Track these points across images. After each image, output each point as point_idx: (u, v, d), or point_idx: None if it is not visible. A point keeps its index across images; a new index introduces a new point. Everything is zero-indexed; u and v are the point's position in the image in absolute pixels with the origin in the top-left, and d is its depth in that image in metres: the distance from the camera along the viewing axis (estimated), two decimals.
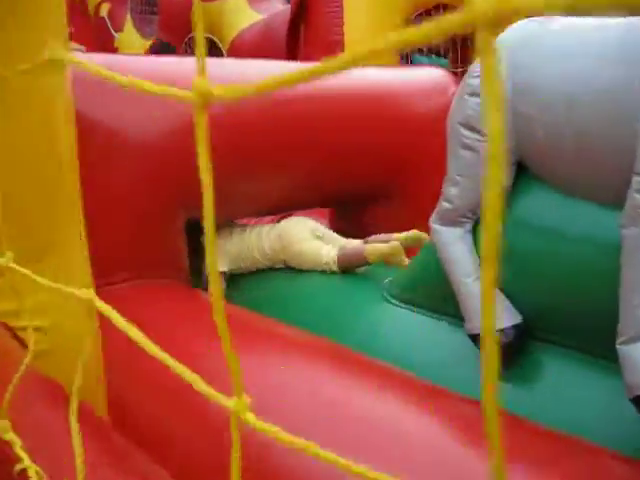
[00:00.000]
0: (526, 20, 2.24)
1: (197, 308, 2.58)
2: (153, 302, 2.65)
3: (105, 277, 2.74)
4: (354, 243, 3.26)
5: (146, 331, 2.15)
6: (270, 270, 3.37)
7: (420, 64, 5.57)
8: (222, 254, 3.28)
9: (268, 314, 2.67)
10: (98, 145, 2.75)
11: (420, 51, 6.42)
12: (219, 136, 2.95)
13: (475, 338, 2.24)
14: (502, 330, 2.16)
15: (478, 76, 2.20)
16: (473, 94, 2.21)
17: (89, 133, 2.69)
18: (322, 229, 3.41)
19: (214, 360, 2.11)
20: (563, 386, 2.14)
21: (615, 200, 1.88)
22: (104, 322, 1.94)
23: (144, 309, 2.55)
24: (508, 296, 2.22)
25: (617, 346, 1.86)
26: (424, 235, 3.23)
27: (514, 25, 2.22)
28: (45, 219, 1.85)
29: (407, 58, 5.92)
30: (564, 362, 2.18)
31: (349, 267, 3.14)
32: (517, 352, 2.22)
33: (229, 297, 3.18)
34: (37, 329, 1.78)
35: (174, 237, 3.04)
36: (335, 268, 3.13)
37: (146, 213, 2.90)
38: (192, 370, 1.89)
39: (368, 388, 1.98)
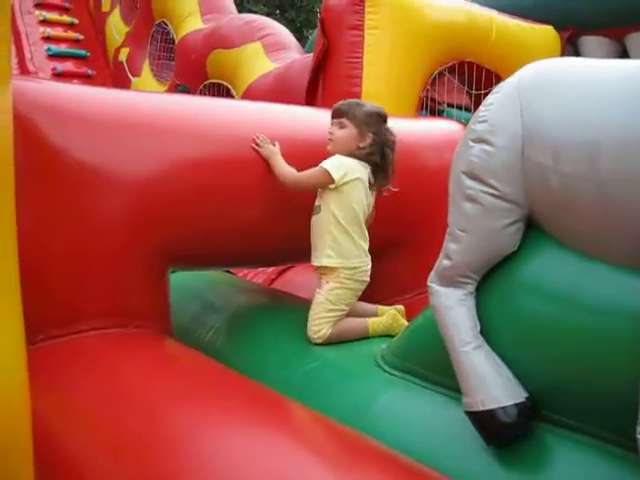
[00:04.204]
0: (541, 61, 2.03)
1: (163, 364, 2.36)
2: (119, 355, 2.41)
3: (72, 325, 2.54)
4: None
5: (103, 387, 1.93)
6: (254, 323, 3.12)
7: (447, 117, 5.40)
8: None
9: (245, 372, 2.43)
10: (70, 178, 2.55)
11: (450, 106, 6.33)
12: (216, 178, 2.84)
13: (473, 416, 1.96)
14: (503, 408, 1.90)
15: (484, 120, 1.98)
16: (478, 140, 1.98)
17: (60, 165, 2.52)
18: None
19: (172, 422, 1.93)
20: (571, 476, 1.86)
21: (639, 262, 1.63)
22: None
23: (107, 362, 2.34)
24: (513, 370, 1.97)
25: (637, 436, 1.60)
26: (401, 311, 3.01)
27: (527, 66, 2.02)
28: None
29: (427, 109, 5.77)
30: (574, 449, 1.89)
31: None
32: (520, 434, 1.95)
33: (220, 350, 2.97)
34: None
35: (154, 285, 2.81)
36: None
37: (124, 257, 2.67)
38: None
39: (342, 469, 1.72)
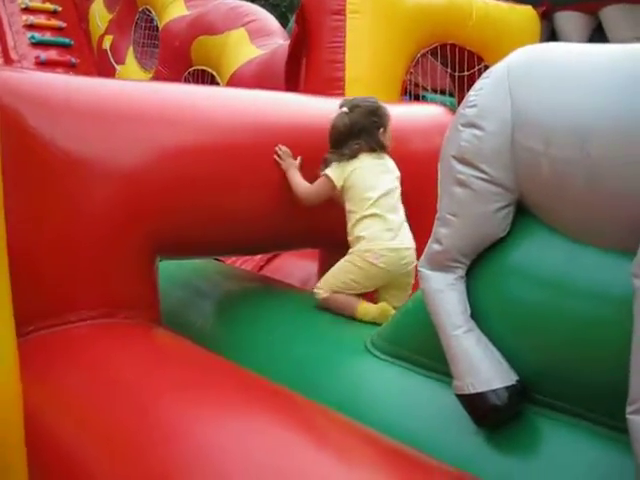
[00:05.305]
0: (530, 46, 2.04)
1: (153, 354, 2.35)
2: (110, 345, 2.40)
3: (62, 315, 2.54)
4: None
5: (94, 378, 1.92)
6: (243, 309, 3.12)
7: (430, 102, 5.40)
8: None
9: (235, 358, 2.44)
10: (57, 168, 2.54)
11: (434, 90, 6.36)
12: (204, 167, 2.83)
13: (464, 399, 1.98)
14: (494, 391, 1.91)
15: (474, 105, 1.99)
16: (468, 124, 1.98)
17: (47, 155, 2.50)
18: None
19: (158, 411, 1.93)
20: (563, 458, 1.87)
21: (630, 246, 1.64)
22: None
23: (97, 353, 2.34)
24: (504, 353, 1.98)
25: (627, 416, 1.60)
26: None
27: (517, 50, 2.02)
28: None
29: (411, 95, 5.80)
30: (565, 431, 1.90)
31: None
32: (512, 416, 1.96)
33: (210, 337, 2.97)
34: None
35: (143, 274, 2.80)
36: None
37: (113, 247, 2.66)
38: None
39: (330, 454, 1.75)
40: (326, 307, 2.96)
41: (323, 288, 2.98)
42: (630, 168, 1.65)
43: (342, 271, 2.97)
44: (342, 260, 2.98)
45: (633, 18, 6.46)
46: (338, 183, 2.98)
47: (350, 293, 2.96)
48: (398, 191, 3.05)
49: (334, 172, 2.99)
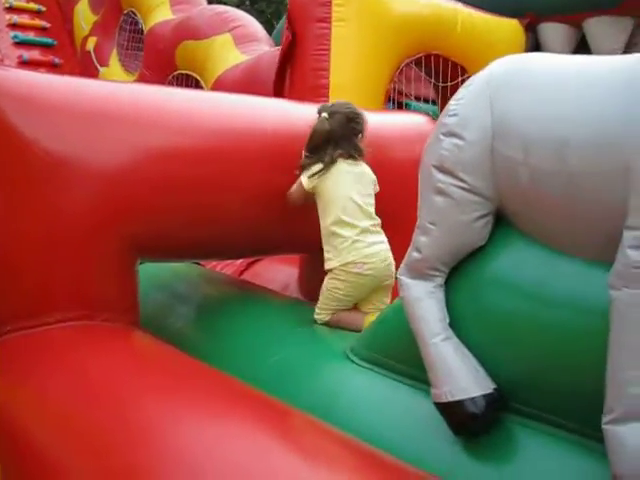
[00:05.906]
0: (511, 56, 2.06)
1: (132, 357, 2.34)
2: (88, 347, 2.39)
3: (40, 317, 2.52)
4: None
5: (71, 380, 1.91)
6: (223, 313, 3.11)
7: (414, 111, 5.43)
8: None
9: (214, 363, 2.43)
10: (38, 168, 2.52)
11: (417, 98, 6.40)
12: (187, 170, 2.82)
13: (442, 407, 1.98)
14: (472, 399, 1.91)
15: (454, 114, 2.00)
16: (448, 133, 1.99)
17: (28, 153, 2.49)
18: None
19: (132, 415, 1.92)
20: (540, 467, 1.88)
21: (608, 257, 1.65)
22: None
23: (75, 355, 2.32)
24: (482, 362, 1.98)
25: (603, 426, 1.61)
26: None
27: (498, 60, 2.04)
28: None
29: (395, 103, 5.83)
30: (543, 439, 1.91)
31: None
32: (489, 425, 1.95)
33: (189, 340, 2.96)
34: None
35: (123, 277, 2.78)
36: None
37: (92, 249, 2.65)
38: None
39: (306, 458, 1.74)
40: (331, 326, 2.98)
41: (320, 313, 3.00)
42: (607, 179, 1.66)
43: (330, 290, 2.97)
44: (326, 280, 2.99)
45: (616, 30, 6.54)
46: (308, 187, 2.99)
47: (346, 308, 2.99)
48: (372, 196, 3.06)
49: (305, 176, 3.01)
